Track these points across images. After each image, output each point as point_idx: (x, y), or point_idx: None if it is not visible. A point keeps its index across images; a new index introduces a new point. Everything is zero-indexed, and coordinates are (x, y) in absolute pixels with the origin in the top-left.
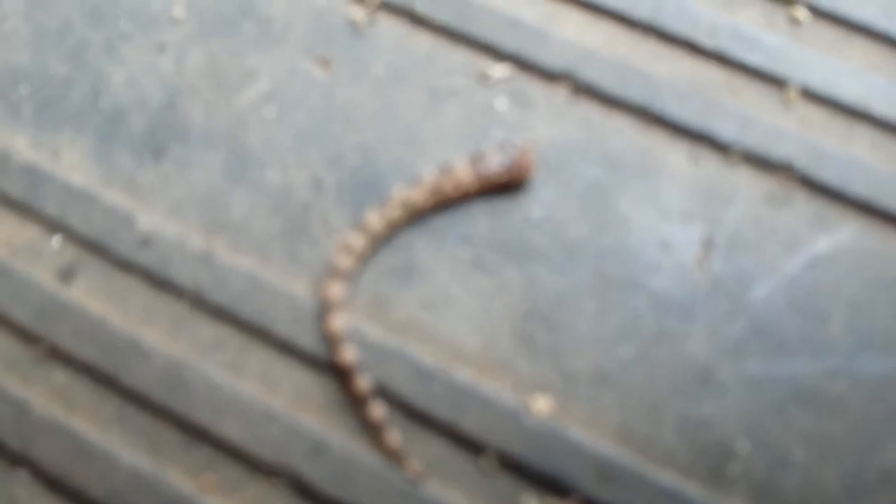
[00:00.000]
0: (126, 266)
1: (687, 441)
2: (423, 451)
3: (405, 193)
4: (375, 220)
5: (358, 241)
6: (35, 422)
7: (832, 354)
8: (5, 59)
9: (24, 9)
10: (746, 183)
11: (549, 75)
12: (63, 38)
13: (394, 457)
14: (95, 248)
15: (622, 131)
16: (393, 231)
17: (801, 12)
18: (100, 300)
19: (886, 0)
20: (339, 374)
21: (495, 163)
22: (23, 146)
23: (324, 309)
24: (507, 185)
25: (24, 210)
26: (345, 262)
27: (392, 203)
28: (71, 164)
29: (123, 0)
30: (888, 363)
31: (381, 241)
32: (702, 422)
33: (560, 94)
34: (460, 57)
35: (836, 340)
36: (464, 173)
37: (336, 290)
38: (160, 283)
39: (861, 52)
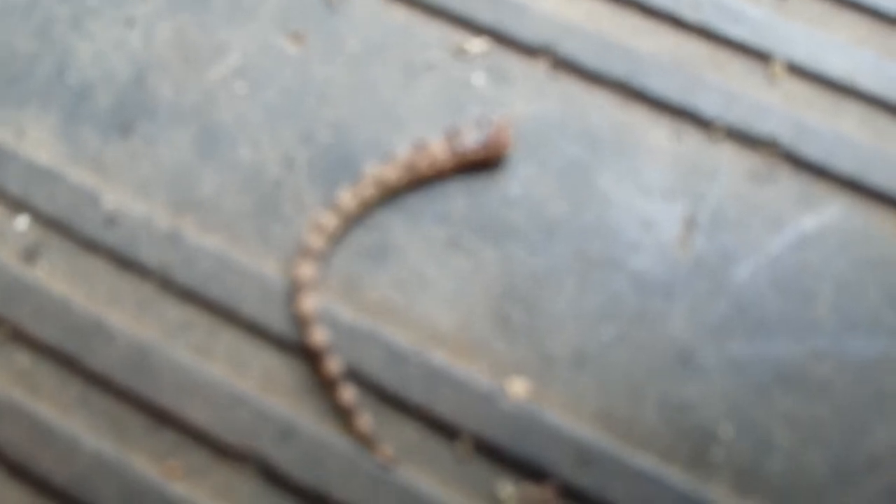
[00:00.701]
0: (91, 246)
1: (668, 424)
2: (395, 435)
3: (378, 171)
4: (348, 198)
5: (330, 220)
6: None
7: (818, 335)
8: None
9: None
10: (730, 159)
11: (528, 49)
12: (29, 14)
13: (365, 441)
14: (60, 227)
15: (603, 107)
16: (366, 210)
17: None
18: (64, 281)
19: None
20: (309, 357)
21: (471, 139)
22: None
23: (294, 289)
24: (483, 163)
25: None
26: (316, 241)
27: (365, 181)
28: (36, 141)
29: None
30: (875, 344)
31: (354, 220)
32: (683, 404)
33: (539, 68)
34: (437, 31)
35: (821, 321)
36: (439, 150)
37: (306, 270)
38: (126, 263)
39: (848, 25)
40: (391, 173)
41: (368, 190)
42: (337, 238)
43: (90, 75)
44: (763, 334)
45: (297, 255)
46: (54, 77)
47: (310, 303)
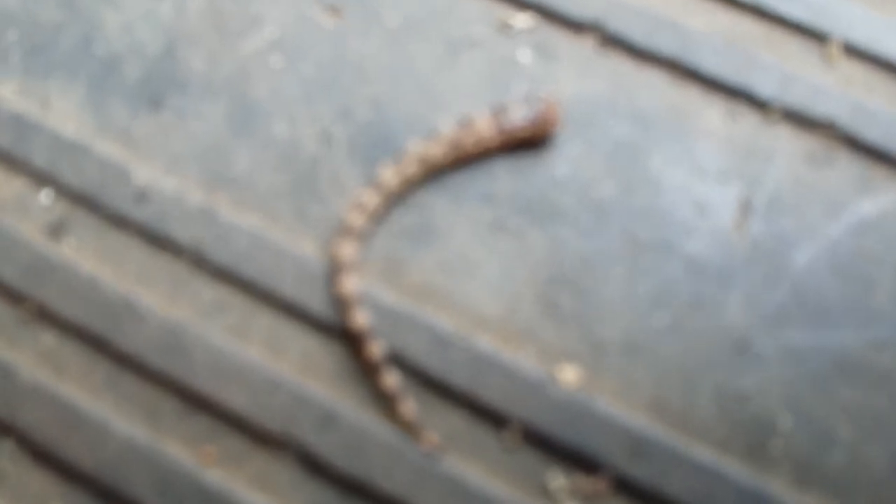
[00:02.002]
0: (120, 222)
1: (725, 415)
2: (440, 423)
3: (422, 148)
4: (390, 176)
5: (371, 198)
6: (21, 388)
7: (878, 324)
8: None
9: None
10: (786, 142)
11: (576, 25)
12: None
13: (409, 428)
14: (87, 202)
15: (653, 86)
16: (408, 188)
17: None
18: (92, 258)
19: None
20: (350, 340)
21: (518, 116)
22: (10, 94)
23: (334, 270)
24: (530, 141)
25: (10, 162)
26: (357, 220)
27: (408, 158)
28: (62, 113)
29: None
30: None
31: (396, 198)
32: (740, 395)
33: (587, 45)
34: (479, 5)
35: (882, 309)
36: (485, 127)
37: (347, 250)
38: (157, 240)
39: None
40: (435, 150)
41: (412, 167)
42: (378, 217)
43: (118, 46)
44: (822, 323)
45: (336, 234)
46: (81, 47)
47: (350, 284)
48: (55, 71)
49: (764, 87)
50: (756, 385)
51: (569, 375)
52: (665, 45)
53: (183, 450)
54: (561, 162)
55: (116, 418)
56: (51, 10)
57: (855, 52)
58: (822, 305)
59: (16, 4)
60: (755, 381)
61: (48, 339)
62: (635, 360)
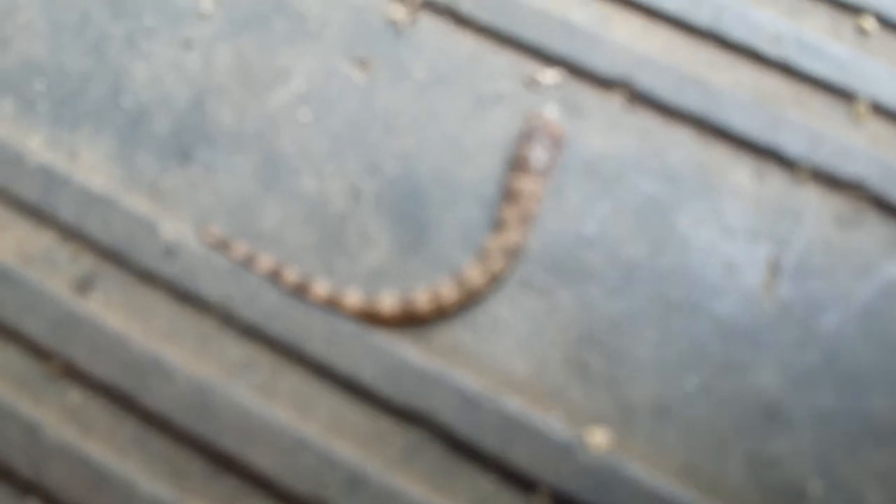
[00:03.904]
0: (148, 278)
1: (755, 480)
2: (469, 486)
3: (502, 239)
4: (476, 274)
5: (450, 292)
6: (48, 445)
7: None
8: (20, 53)
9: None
10: (815, 202)
11: (603, 82)
12: (82, 31)
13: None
14: (115, 257)
15: (681, 143)
16: (495, 283)
17: (868, 22)
18: (119, 314)
19: None
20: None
21: (541, 156)
22: (38, 146)
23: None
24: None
25: (38, 215)
26: (423, 306)
27: (492, 254)
28: (89, 165)
29: None
30: None
31: (479, 295)
32: (771, 460)
33: (615, 102)
34: (507, 60)
35: None
36: (533, 185)
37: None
38: (185, 297)
39: None
40: (515, 235)
41: (498, 263)
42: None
43: (146, 98)
44: (852, 386)
45: (399, 315)
46: (109, 99)
47: None
48: (83, 122)
49: (792, 145)
50: (786, 450)
51: (598, 438)
52: (692, 102)
53: None
54: (589, 220)
55: (143, 478)
56: (78, 59)
57: (882, 111)
58: (851, 369)
59: (43, 53)
60: (785, 445)
61: (75, 396)
62: (665, 424)
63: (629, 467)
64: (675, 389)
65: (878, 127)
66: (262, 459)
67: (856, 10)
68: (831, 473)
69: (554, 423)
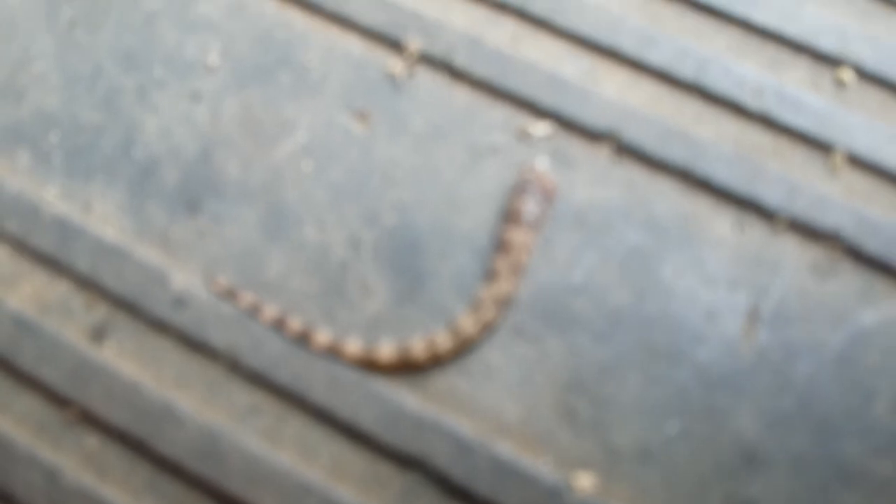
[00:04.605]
0: (159, 326)
1: None
2: None
3: (494, 289)
4: (469, 323)
5: (444, 340)
6: (67, 490)
7: (878, 433)
8: (35, 104)
9: (54, 51)
10: (792, 252)
11: (592, 134)
12: (94, 83)
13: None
14: (128, 307)
15: (666, 194)
16: (487, 331)
17: (847, 74)
18: (132, 362)
19: None
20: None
21: (533, 209)
22: (53, 197)
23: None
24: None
25: (54, 265)
26: (419, 355)
27: (484, 304)
28: (102, 216)
29: (157, 45)
30: None
31: (472, 343)
32: (748, 501)
33: (602, 153)
34: (500, 113)
35: (882, 418)
36: (524, 237)
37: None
38: (195, 345)
39: None
40: (506, 285)
41: (490, 312)
42: (442, 362)
43: (156, 150)
44: (825, 431)
45: (396, 362)
46: (120, 151)
47: None
48: (96, 174)
49: (771, 197)
50: (763, 492)
51: (584, 482)
52: (677, 154)
53: None
54: (577, 269)
55: None
56: (91, 112)
57: (858, 162)
58: (825, 414)
59: (57, 106)
60: (762, 488)
61: (92, 441)
62: (648, 467)
63: None
64: (658, 434)
65: (853, 178)
66: (267, 502)
67: (835, 63)
68: None
69: (542, 467)
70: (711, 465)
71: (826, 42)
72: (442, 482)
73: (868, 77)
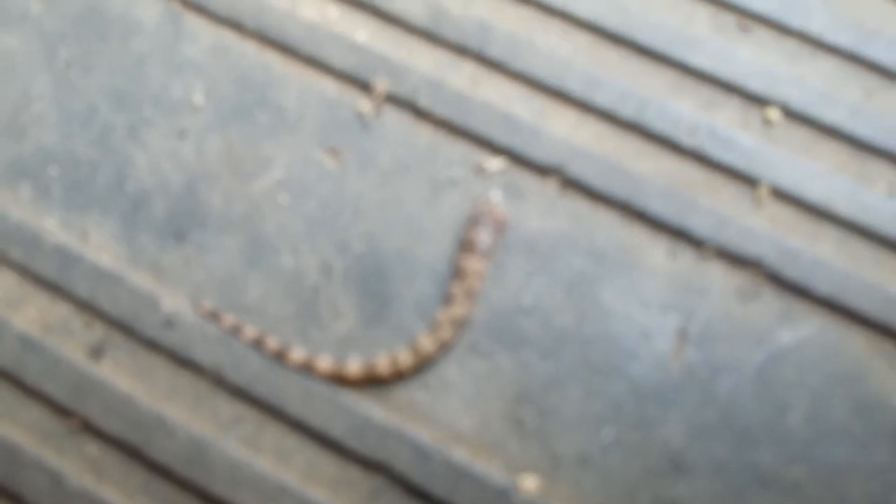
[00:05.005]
0: (151, 345)
1: None
2: None
3: (451, 312)
4: (428, 343)
5: (405, 358)
6: (70, 491)
7: (792, 442)
8: (35, 141)
9: (52, 92)
10: (719, 278)
11: (541, 169)
12: (89, 122)
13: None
14: (122, 327)
15: (607, 225)
16: (445, 350)
17: (774, 113)
18: (127, 377)
19: (854, 103)
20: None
21: (486, 239)
22: (53, 227)
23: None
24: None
25: (55, 290)
26: (384, 371)
27: (442, 325)
28: (99, 245)
29: (146, 86)
30: (843, 452)
31: (430, 361)
32: (674, 502)
33: (551, 187)
34: (459, 150)
35: (795, 429)
36: (477, 265)
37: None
38: (183, 362)
39: (828, 153)
40: (461, 309)
41: (447, 332)
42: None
43: (147, 184)
44: (744, 440)
45: (363, 377)
46: (114, 184)
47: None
48: (92, 206)
49: (701, 227)
50: (687, 494)
51: (529, 484)
52: (618, 188)
53: None
54: (526, 293)
55: None
56: (87, 148)
57: (781, 195)
58: (744, 425)
59: (56, 142)
60: (687, 490)
61: (92, 449)
62: (586, 471)
63: None
64: (596, 441)
65: (777, 210)
66: (249, 503)
67: (763, 102)
68: None
69: (493, 470)
70: (642, 470)
71: (755, 83)
72: (404, 484)
73: (794, 116)
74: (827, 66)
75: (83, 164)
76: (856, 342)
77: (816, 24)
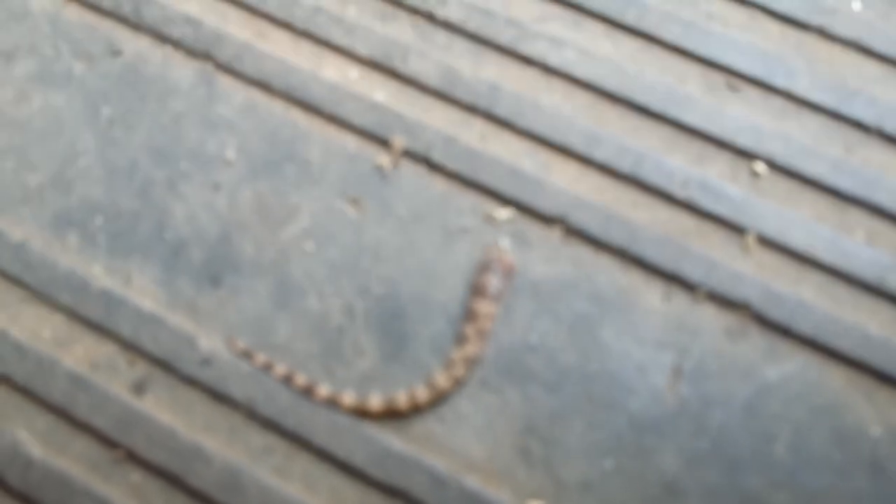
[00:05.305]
0: (190, 382)
1: None
2: None
3: (464, 351)
4: (443, 379)
5: (422, 393)
6: None
7: (777, 469)
8: (81, 193)
9: (96, 148)
10: (710, 319)
11: (546, 219)
12: (132, 176)
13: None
14: (163, 365)
15: (607, 270)
16: (459, 387)
17: (760, 167)
18: (168, 411)
19: (836, 157)
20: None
21: (496, 284)
22: (99, 273)
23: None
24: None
25: (101, 330)
26: (402, 405)
27: (455, 363)
28: (141, 289)
29: (183, 142)
30: (824, 479)
31: (446, 395)
32: None
33: (555, 235)
34: (470, 200)
35: (780, 457)
36: (488, 307)
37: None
38: (219, 397)
39: (811, 203)
40: (474, 348)
41: (460, 370)
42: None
43: (184, 233)
44: (734, 467)
45: (384, 411)
46: (154, 233)
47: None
48: (135, 253)
49: (693, 272)
50: None
51: None
52: (616, 236)
53: None
54: (533, 333)
55: None
56: (129, 200)
57: (767, 243)
58: (734, 454)
59: (101, 194)
60: None
61: (136, 477)
62: (588, 497)
63: None
64: (596, 470)
65: (763, 256)
66: None
67: (751, 157)
68: None
69: (502, 496)
70: (640, 495)
71: (743, 139)
72: None
73: (779, 169)
74: (810, 123)
75: (126, 215)
76: (836, 378)
77: (800, 85)
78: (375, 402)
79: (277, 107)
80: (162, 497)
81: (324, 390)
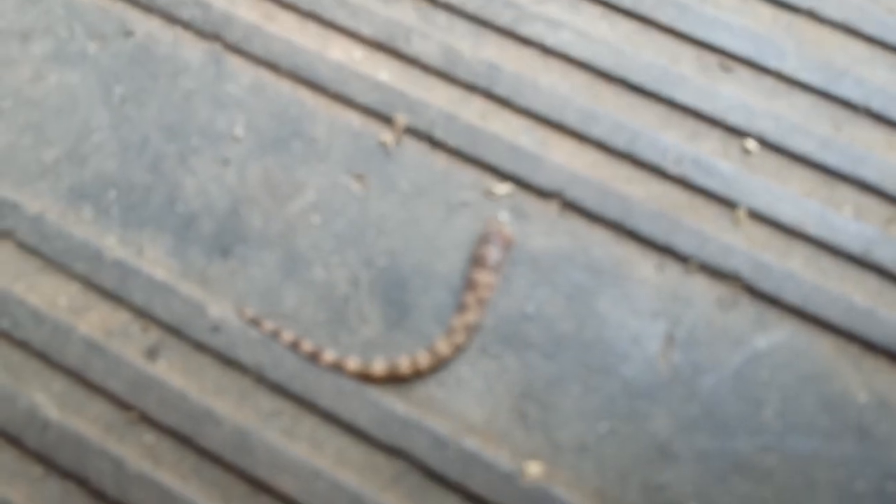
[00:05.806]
0: (201, 348)
1: (648, 501)
2: None
3: (464, 319)
4: (444, 346)
5: (424, 358)
6: (129, 475)
7: (766, 434)
8: (95, 167)
9: (109, 124)
10: (702, 289)
11: (543, 193)
12: (143, 150)
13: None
14: (175, 332)
15: (602, 243)
16: (459, 353)
17: (751, 144)
18: (180, 376)
19: (824, 135)
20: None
21: (495, 255)
22: (113, 243)
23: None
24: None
25: (115, 299)
26: (405, 369)
27: (456, 330)
28: (153, 259)
29: (193, 119)
30: (811, 442)
31: (446, 361)
32: (660, 487)
33: (552, 209)
34: (470, 175)
35: (769, 422)
36: (488, 277)
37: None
38: (229, 362)
39: (800, 179)
40: (474, 316)
41: (461, 337)
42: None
43: (195, 205)
44: (724, 432)
45: (387, 375)
46: (166, 206)
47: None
48: (147, 224)
49: (686, 244)
50: (673, 479)
51: (533, 470)
52: (611, 210)
53: None
54: (531, 302)
55: (200, 499)
56: (142, 174)
57: (757, 217)
58: (724, 419)
59: (114, 169)
60: (672, 475)
61: (149, 438)
62: (584, 459)
63: (556, 491)
64: (592, 433)
65: (753, 230)
66: (287, 485)
67: (742, 134)
68: (706, 497)
69: (500, 458)
70: (633, 457)
71: (735, 117)
72: (423, 469)
73: (769, 146)
74: (800, 102)
75: (139, 188)
76: (823, 346)
77: (791, 65)
78: (379, 367)
79: (284, 86)
80: (174, 457)
81: (329, 356)
